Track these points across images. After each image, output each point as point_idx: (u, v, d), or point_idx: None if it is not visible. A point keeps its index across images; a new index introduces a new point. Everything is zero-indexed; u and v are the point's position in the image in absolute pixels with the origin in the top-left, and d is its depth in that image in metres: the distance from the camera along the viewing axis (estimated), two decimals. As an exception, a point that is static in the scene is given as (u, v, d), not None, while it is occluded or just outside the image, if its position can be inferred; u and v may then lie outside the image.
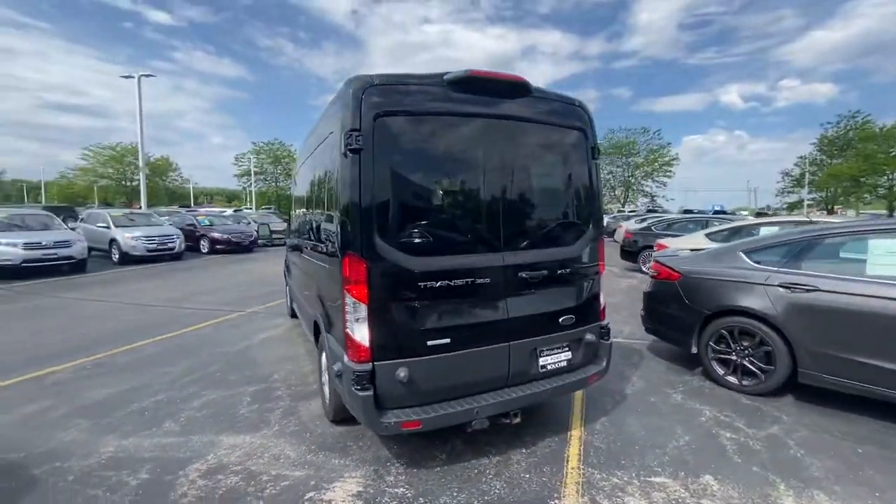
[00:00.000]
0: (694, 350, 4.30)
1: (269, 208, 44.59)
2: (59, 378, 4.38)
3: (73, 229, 12.82)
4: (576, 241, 3.24)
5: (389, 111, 2.61)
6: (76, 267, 11.26)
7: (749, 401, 3.77)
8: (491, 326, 2.91)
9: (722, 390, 4.00)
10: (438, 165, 2.85)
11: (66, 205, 27.84)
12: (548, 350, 3.12)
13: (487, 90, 2.86)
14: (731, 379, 4.00)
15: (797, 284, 3.63)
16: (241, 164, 60.37)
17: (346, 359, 2.67)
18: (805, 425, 3.35)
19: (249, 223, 18.82)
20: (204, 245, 16.35)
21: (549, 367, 3.13)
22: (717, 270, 4.15)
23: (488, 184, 2.86)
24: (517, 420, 2.98)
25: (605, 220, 13.37)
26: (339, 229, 2.74)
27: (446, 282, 2.73)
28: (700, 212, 29.68)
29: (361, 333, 2.58)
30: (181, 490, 2.64)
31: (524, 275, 2.94)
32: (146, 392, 4.03)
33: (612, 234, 17.53)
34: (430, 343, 2.71)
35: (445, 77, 2.77)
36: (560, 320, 3.15)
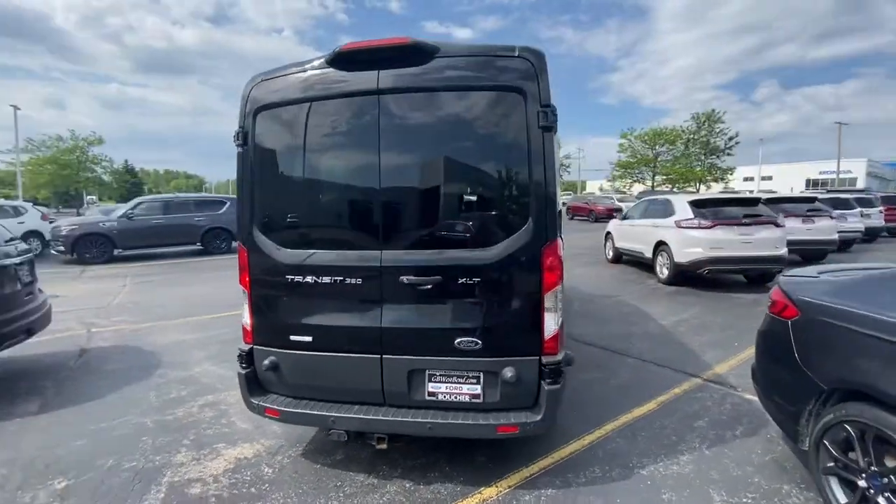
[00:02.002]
0: (803, 446, 2.44)
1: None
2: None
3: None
4: (496, 242, 2.41)
5: (268, 104, 2.64)
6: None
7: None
8: (359, 333, 2.58)
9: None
10: (319, 154, 2.68)
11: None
12: (441, 375, 2.51)
13: (375, 63, 2.47)
14: (861, 518, 2.09)
15: None
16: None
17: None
18: None
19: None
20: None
21: (440, 397, 2.51)
22: (863, 313, 2.17)
23: (384, 171, 2.49)
24: (383, 446, 2.56)
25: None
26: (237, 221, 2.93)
27: (313, 277, 2.59)
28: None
29: (245, 317, 2.79)
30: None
31: (406, 279, 2.44)
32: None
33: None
34: (292, 338, 2.66)
35: (326, 58, 2.56)
36: (456, 342, 2.46)
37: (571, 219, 30.07)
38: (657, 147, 45.69)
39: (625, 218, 10.85)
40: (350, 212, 2.63)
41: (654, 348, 4.90)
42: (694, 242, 7.86)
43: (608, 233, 11.52)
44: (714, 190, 39.15)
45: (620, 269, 10.43)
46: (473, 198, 2.51)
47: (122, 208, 13.50)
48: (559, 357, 2.45)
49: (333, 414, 2.54)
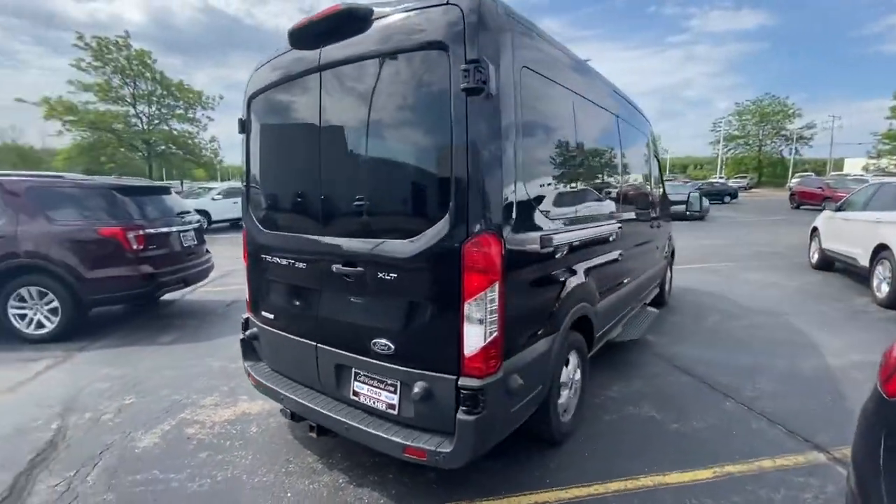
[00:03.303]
0: None
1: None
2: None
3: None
4: (419, 233, 2.02)
5: (256, 91, 2.78)
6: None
7: None
8: (302, 317, 2.55)
9: None
10: (282, 139, 2.69)
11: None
12: (365, 376, 2.28)
13: (321, 37, 2.33)
14: None
15: None
16: (717, 129, 55.13)
17: None
18: None
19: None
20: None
21: (361, 400, 2.29)
22: None
23: (324, 151, 2.39)
24: (313, 434, 2.48)
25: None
26: None
27: (277, 258, 2.67)
28: None
29: (246, 288, 3.07)
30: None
31: (335, 268, 2.29)
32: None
33: None
34: (263, 313, 2.80)
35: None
36: (372, 343, 2.18)
37: (797, 208, 23.44)
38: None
39: (839, 209, 7.81)
40: (301, 196, 2.59)
41: (783, 396, 3.44)
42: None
43: (814, 228, 8.55)
44: None
45: (823, 278, 7.65)
46: (401, 181, 2.16)
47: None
48: (484, 382, 1.93)
49: (283, 392, 2.60)
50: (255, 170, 2.87)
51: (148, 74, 29.93)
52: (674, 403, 3.32)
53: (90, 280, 4.78)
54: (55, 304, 4.76)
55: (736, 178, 47.85)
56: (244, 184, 2.97)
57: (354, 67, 2.21)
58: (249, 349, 3.03)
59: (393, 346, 2.12)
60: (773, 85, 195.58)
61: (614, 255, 3.43)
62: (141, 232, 5.00)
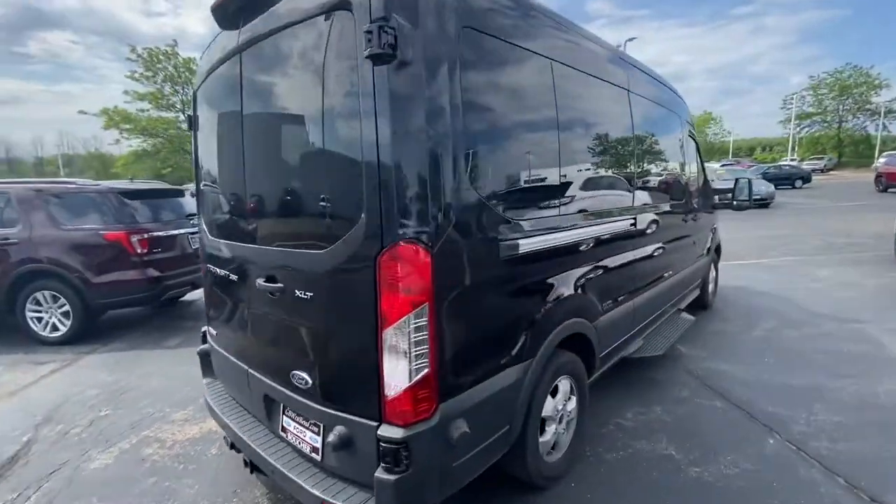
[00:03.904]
0: None
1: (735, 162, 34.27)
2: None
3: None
4: (334, 242, 1.62)
5: (199, 82, 2.50)
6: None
7: None
8: (235, 338, 2.25)
9: None
10: (218, 130, 2.36)
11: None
12: (292, 412, 1.93)
13: (240, 13, 1.99)
14: None
15: None
16: (788, 106, 50.10)
17: None
18: None
19: None
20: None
21: (289, 438, 1.95)
22: None
23: (247, 146, 2.06)
24: (247, 470, 2.16)
25: None
26: None
27: (215, 267, 2.39)
28: None
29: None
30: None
31: (258, 283, 1.95)
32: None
33: None
34: (210, 328, 2.54)
35: None
36: (290, 375, 1.82)
37: (884, 191, 20.70)
38: None
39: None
40: (232, 197, 2.27)
41: (847, 433, 2.73)
42: None
43: (902, 215, 7.26)
44: None
45: (912, 275, 6.45)
46: (317, 177, 1.77)
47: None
48: (410, 432, 1.52)
49: (223, 418, 2.32)
50: (202, 169, 2.61)
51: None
52: (700, 439, 2.72)
53: (97, 284, 4.83)
54: (67, 307, 4.86)
55: (811, 159, 43.24)
56: (196, 185, 2.72)
57: (268, 45, 1.85)
58: (206, 364, 2.80)
59: (310, 381, 1.76)
60: (855, 55, 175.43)
61: (625, 257, 2.86)
62: (145, 235, 4.99)
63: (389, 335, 1.50)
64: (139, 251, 4.92)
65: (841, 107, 47.34)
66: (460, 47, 1.61)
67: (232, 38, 2.03)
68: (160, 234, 5.19)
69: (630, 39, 25.83)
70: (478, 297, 1.73)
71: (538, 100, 2.07)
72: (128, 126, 30.01)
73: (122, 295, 5.00)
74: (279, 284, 1.84)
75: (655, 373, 3.64)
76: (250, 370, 2.13)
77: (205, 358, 2.76)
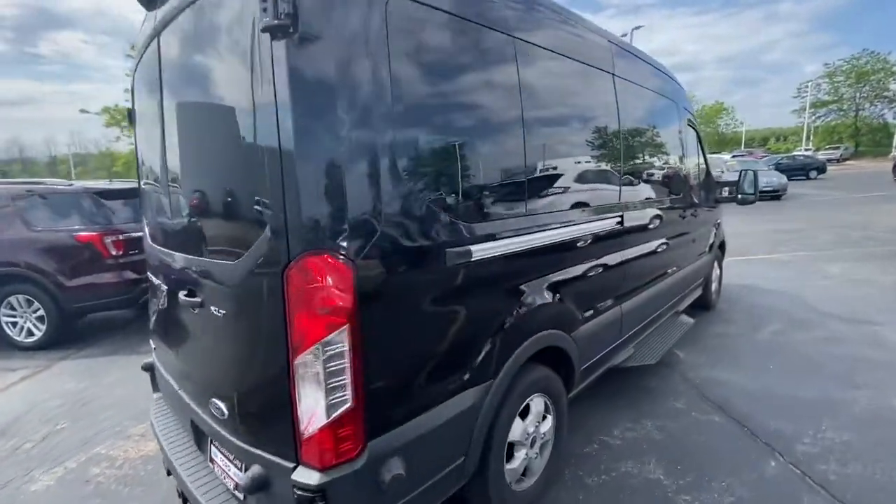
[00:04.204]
0: None
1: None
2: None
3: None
4: (246, 249, 1.39)
5: (133, 72, 2.28)
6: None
7: None
8: (167, 353, 2.03)
9: None
10: (143, 124, 2.14)
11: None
12: (218, 444, 1.71)
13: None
14: None
15: None
16: (803, 95, 48.73)
17: None
18: None
19: None
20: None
21: (216, 469, 1.73)
22: None
23: (167, 140, 1.83)
24: (179, 500, 1.95)
25: None
26: None
27: (149, 275, 2.18)
28: None
29: (150, 308, 2.63)
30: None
31: (180, 297, 1.73)
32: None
33: None
34: (150, 338, 2.34)
35: None
36: (209, 403, 1.60)
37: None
38: None
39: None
40: (159, 198, 2.04)
41: (859, 454, 2.45)
42: None
43: (922, 208, 6.84)
44: None
45: (933, 271, 6.06)
46: (226, 176, 1.53)
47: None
48: (329, 477, 1.28)
49: (160, 440, 2.11)
50: (142, 168, 2.39)
51: None
52: (693, 460, 2.46)
53: (71, 288, 4.67)
54: (41, 311, 4.71)
55: (827, 149, 42.04)
56: (138, 185, 2.51)
57: (179, 25, 1.61)
58: (154, 378, 2.59)
59: (226, 411, 1.53)
60: (872, 41, 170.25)
61: (611, 259, 2.60)
62: (120, 237, 4.82)
63: (302, 363, 1.27)
64: (114, 253, 4.75)
65: (858, 94, 45.96)
66: (387, 18, 1.35)
67: (151, 19, 1.81)
68: (137, 235, 5.01)
69: (636, 28, 25.10)
70: (418, 314, 1.49)
71: (494, 82, 1.80)
72: (127, 124, 30.40)
73: (98, 298, 4.84)
74: (197, 298, 1.62)
75: (649, 380, 3.37)
76: (182, 391, 1.92)
77: (151, 372, 2.56)
